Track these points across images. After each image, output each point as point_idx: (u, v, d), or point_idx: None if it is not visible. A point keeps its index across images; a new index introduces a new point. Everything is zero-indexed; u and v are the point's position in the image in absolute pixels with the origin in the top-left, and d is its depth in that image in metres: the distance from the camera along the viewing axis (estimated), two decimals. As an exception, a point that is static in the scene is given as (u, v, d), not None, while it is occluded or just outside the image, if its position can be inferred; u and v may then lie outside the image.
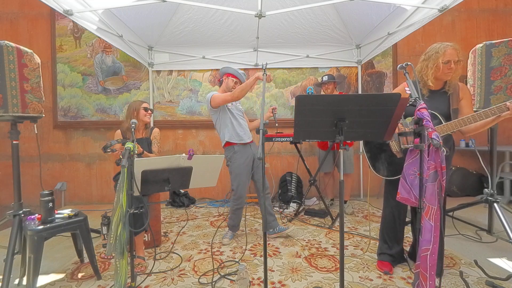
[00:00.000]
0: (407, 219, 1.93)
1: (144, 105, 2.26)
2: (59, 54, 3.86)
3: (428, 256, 1.27)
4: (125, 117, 2.33)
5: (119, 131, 2.22)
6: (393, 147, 1.77)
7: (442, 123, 1.57)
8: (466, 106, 1.63)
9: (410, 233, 2.18)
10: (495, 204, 2.19)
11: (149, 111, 2.27)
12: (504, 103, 1.39)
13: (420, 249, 1.30)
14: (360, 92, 3.88)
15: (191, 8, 3.08)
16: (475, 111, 2.23)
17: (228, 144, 2.38)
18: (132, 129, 1.64)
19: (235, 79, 2.41)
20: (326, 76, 3.15)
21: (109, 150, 1.60)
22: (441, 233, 1.28)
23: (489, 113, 1.42)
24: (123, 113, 3.77)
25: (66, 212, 1.80)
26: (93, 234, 1.95)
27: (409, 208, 1.84)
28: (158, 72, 3.93)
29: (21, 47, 1.72)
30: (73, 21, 2.43)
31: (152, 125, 3.78)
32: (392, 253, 1.86)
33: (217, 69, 3.92)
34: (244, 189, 2.34)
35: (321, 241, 2.36)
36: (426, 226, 1.28)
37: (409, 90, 1.51)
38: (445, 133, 1.55)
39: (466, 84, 2.31)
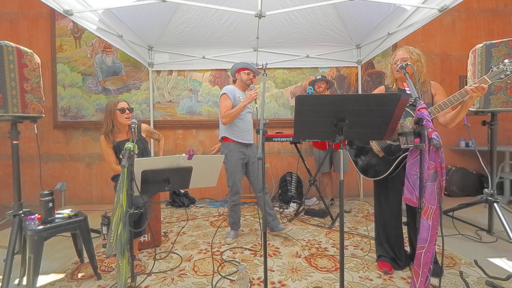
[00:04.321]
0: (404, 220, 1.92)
1: (120, 105, 2.00)
2: (59, 54, 3.86)
3: (423, 254, 1.30)
4: (103, 119, 2.05)
5: (102, 137, 2.00)
6: (374, 146, 1.78)
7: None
8: (440, 100, 1.63)
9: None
10: (495, 204, 2.19)
11: (127, 112, 2.02)
12: (464, 88, 1.44)
13: (417, 247, 1.33)
14: (360, 92, 3.88)
15: (191, 8, 3.08)
16: (474, 111, 2.24)
17: (224, 139, 2.38)
18: (132, 129, 1.63)
19: (247, 71, 2.39)
20: (320, 76, 3.32)
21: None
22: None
23: (453, 100, 1.48)
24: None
25: (66, 212, 1.80)
26: (93, 234, 1.95)
27: (404, 208, 1.84)
28: (158, 72, 3.92)
29: (21, 47, 1.72)
30: (73, 21, 2.42)
31: (152, 125, 3.80)
32: (391, 256, 1.84)
33: (217, 69, 3.93)
34: (239, 185, 2.37)
35: (321, 241, 2.36)
36: (424, 225, 1.30)
37: (409, 90, 1.52)
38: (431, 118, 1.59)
39: (466, 85, 2.30)
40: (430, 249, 1.28)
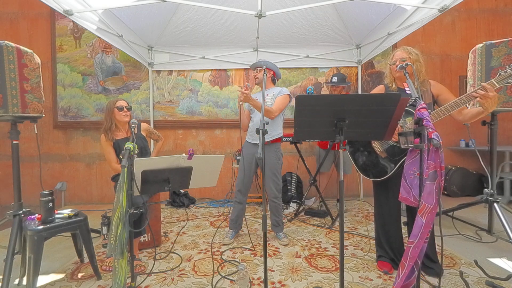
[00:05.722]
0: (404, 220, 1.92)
1: (118, 103, 2.10)
2: (59, 54, 3.86)
3: (411, 249, 1.31)
4: (104, 117, 2.16)
5: (103, 135, 2.08)
6: (376, 147, 1.77)
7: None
8: (448, 99, 1.62)
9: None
10: (495, 204, 2.19)
11: (125, 110, 2.11)
12: (471, 92, 1.45)
13: (407, 242, 1.34)
14: (360, 92, 3.88)
15: (191, 8, 3.08)
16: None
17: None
18: (132, 129, 1.64)
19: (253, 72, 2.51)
20: (336, 78, 3.15)
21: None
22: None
23: (459, 102, 1.48)
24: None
25: (66, 212, 1.80)
26: (93, 234, 1.95)
27: (403, 208, 1.84)
28: (158, 72, 3.92)
29: (21, 47, 1.72)
30: (73, 21, 2.42)
31: (152, 125, 3.80)
32: (391, 256, 1.83)
33: (217, 69, 3.93)
34: (241, 184, 2.36)
35: (321, 241, 2.36)
36: (418, 222, 1.31)
37: (409, 90, 1.52)
38: (437, 119, 1.58)
39: (466, 85, 2.31)
40: (419, 244, 1.29)
